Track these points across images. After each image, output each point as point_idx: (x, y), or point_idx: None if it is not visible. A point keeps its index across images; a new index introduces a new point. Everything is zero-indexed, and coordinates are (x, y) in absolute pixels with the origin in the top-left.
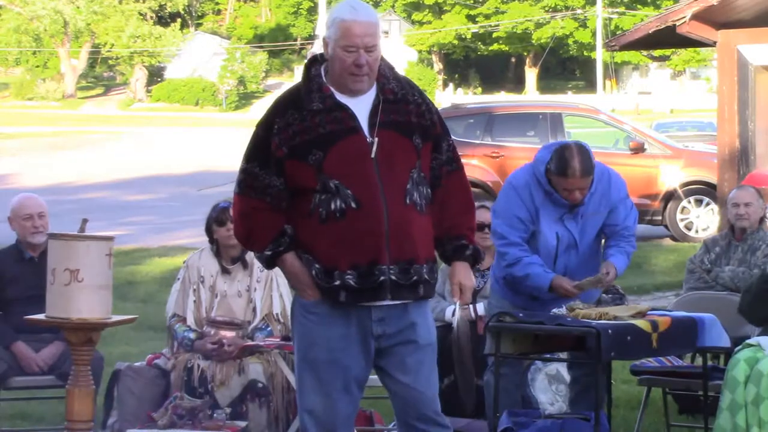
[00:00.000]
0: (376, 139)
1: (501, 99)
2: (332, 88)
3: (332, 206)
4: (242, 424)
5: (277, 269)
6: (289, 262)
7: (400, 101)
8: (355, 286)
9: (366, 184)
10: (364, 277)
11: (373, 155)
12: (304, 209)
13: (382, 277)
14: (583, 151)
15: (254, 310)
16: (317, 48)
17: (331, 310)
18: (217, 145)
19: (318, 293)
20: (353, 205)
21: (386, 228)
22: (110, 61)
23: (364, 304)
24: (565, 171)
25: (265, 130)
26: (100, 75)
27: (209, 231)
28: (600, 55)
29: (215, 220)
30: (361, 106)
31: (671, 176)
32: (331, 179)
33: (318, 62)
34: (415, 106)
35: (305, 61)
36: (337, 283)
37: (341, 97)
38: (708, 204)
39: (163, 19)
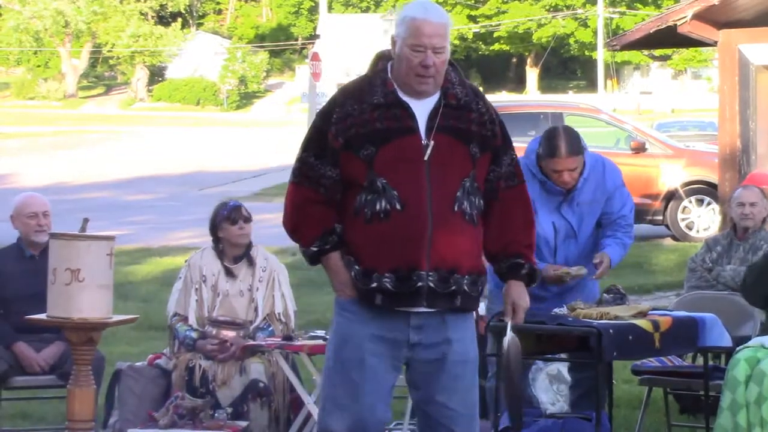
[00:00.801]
0: (432, 142)
1: (502, 99)
2: (396, 86)
3: (377, 207)
4: (243, 424)
5: (281, 269)
6: (333, 261)
7: (463, 108)
8: (391, 289)
9: (413, 186)
10: (402, 282)
11: (426, 158)
12: (350, 207)
13: (419, 283)
14: (570, 131)
15: (256, 309)
16: (318, 48)
17: (369, 309)
18: (217, 145)
19: (355, 292)
20: (398, 206)
21: (429, 233)
22: (111, 61)
23: (400, 309)
24: (553, 151)
25: (323, 120)
26: (102, 75)
27: (214, 230)
28: (601, 55)
29: (227, 218)
30: (422, 107)
31: (672, 176)
32: (379, 178)
33: (385, 58)
34: (477, 115)
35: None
36: (374, 285)
37: (404, 96)
38: (709, 204)
39: (164, 18)
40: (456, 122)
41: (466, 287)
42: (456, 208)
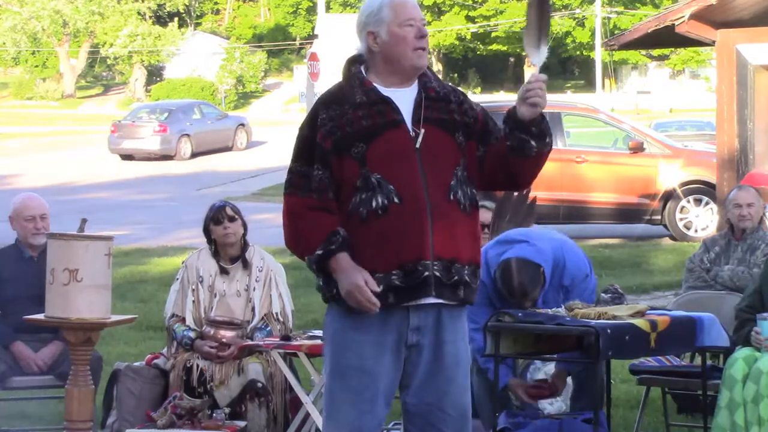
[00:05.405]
0: (422, 131)
1: (500, 98)
2: (375, 83)
3: (374, 203)
4: (241, 423)
5: (278, 268)
6: (343, 262)
7: (442, 99)
8: (401, 285)
9: (409, 178)
10: (409, 275)
11: (417, 146)
12: (343, 209)
13: (425, 273)
14: (522, 270)
15: (253, 309)
16: (316, 48)
17: (369, 315)
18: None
19: (378, 302)
20: (396, 200)
21: (430, 223)
22: (109, 61)
23: (408, 305)
24: (510, 291)
25: (309, 128)
26: (99, 74)
27: (207, 231)
28: (599, 55)
29: (212, 219)
30: (404, 101)
31: (670, 176)
32: (372, 174)
33: (357, 62)
34: (457, 105)
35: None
36: (381, 287)
37: (384, 91)
38: (707, 203)
39: (162, 18)
40: (439, 114)
41: (467, 277)
42: (451, 197)
